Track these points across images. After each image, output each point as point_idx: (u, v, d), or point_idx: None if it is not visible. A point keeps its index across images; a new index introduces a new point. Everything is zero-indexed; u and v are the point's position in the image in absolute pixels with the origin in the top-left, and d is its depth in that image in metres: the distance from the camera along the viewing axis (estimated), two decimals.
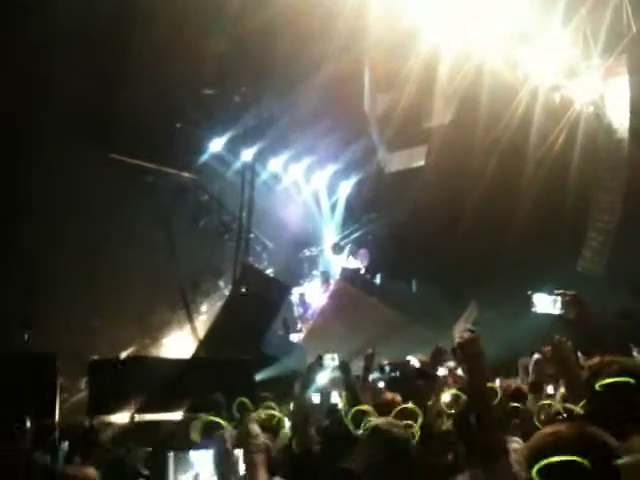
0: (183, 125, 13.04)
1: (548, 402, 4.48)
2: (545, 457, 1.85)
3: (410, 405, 4.30)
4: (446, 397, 5.32)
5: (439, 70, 13.66)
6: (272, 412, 4.00)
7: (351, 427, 3.92)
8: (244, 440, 3.11)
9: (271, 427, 3.80)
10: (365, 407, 4.17)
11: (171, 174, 13.53)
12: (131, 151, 12.29)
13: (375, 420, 3.58)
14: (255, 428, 3.23)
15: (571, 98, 14.30)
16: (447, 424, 4.34)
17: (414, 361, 6.09)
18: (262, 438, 3.26)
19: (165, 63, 11.27)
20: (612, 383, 2.70)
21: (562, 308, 3.08)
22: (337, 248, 16.48)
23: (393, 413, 4.06)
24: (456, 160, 14.18)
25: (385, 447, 3.18)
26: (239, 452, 3.25)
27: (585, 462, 1.82)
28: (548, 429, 1.99)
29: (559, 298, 3.09)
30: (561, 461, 1.82)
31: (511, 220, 13.68)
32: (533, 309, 3.19)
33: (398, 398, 4.86)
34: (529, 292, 3.17)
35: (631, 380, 2.69)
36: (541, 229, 13.57)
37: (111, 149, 12.00)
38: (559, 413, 4.18)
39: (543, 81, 14.09)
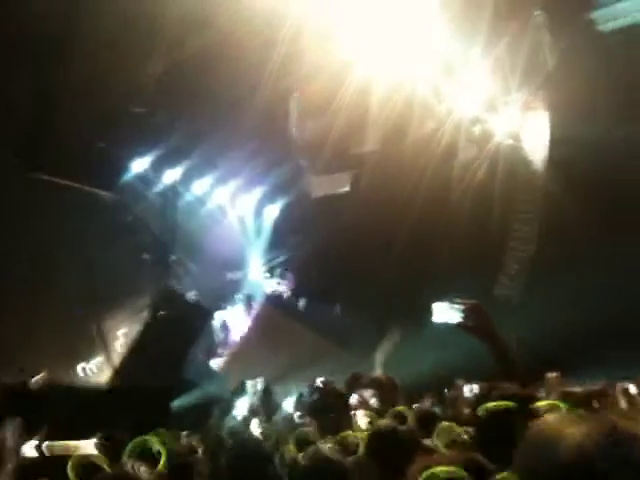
0: (106, 143, 12.72)
1: (448, 425, 4.47)
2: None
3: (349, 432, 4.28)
4: (362, 421, 5.31)
5: (367, 98, 13.92)
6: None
7: (294, 451, 3.83)
8: None
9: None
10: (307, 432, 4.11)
11: (92, 193, 13.14)
12: (50, 168, 11.89)
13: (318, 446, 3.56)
14: None
15: (491, 131, 14.80)
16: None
17: (318, 383, 6.06)
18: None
19: (92, 79, 11.03)
20: (494, 408, 2.75)
21: (461, 316, 3.11)
22: (269, 272, 16.42)
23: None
24: (383, 187, 14.41)
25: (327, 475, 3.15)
26: None
27: (464, 474, 1.88)
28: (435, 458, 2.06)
29: (458, 307, 3.11)
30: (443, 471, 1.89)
31: (436, 248, 13.95)
32: (432, 319, 3.20)
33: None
34: (427, 301, 3.18)
35: (510, 404, 2.74)
36: (465, 256, 13.86)
37: (30, 165, 11.58)
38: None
39: (465, 113, 14.55)
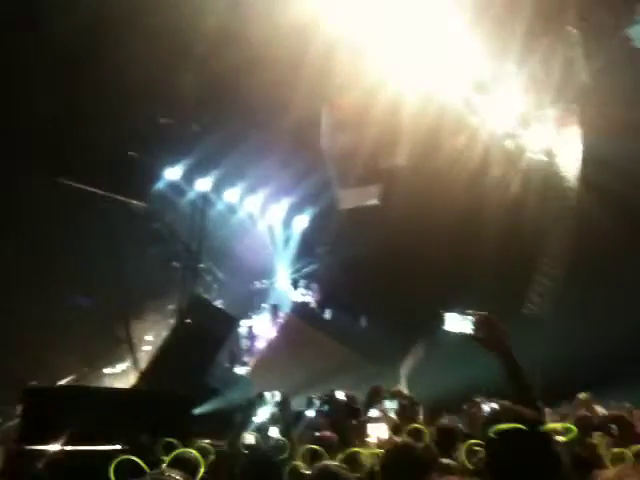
0: (138, 153, 12.96)
1: (475, 442, 4.44)
2: None
3: (358, 449, 4.28)
4: (380, 434, 5.31)
5: (399, 113, 13.95)
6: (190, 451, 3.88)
7: (303, 465, 3.86)
8: None
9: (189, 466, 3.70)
10: (316, 447, 4.13)
11: (122, 202, 13.38)
12: (83, 177, 12.16)
13: (325, 461, 3.58)
14: None
15: (524, 146, 14.70)
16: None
17: (340, 395, 6.09)
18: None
19: (124, 90, 11.24)
20: (505, 430, 2.75)
21: (472, 328, 3.12)
22: (294, 283, 16.49)
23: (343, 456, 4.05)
24: (413, 202, 14.38)
25: None
26: None
27: None
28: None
29: (469, 317, 3.13)
30: None
31: (466, 263, 13.86)
32: (443, 327, 3.21)
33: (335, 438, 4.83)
34: (440, 310, 3.20)
35: (523, 427, 2.74)
36: (495, 273, 13.75)
37: (62, 174, 11.85)
38: None
39: (498, 129, 14.49)
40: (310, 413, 6.64)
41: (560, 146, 14.48)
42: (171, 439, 4.43)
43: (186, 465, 3.16)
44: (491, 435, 2.75)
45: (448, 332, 3.31)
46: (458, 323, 3.26)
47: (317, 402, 6.49)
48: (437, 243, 13.85)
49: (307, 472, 3.47)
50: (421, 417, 6.78)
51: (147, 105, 11.82)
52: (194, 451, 3.51)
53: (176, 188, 14.40)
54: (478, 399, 7.39)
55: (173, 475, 2.62)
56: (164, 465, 3.20)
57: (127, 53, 10.77)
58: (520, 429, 2.70)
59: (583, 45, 13.50)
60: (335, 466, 3.39)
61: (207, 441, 7.02)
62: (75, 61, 11.02)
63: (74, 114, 11.32)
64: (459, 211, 14.04)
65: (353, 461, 3.92)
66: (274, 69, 12.07)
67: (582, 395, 7.47)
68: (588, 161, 13.77)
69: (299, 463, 3.75)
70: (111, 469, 3.05)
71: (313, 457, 3.76)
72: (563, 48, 13.37)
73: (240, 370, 14.26)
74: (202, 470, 2.98)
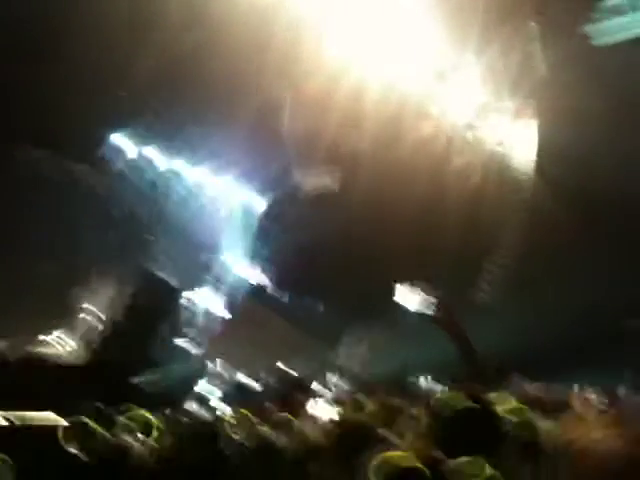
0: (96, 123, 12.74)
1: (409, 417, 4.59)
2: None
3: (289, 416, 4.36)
4: (326, 411, 5.41)
5: (361, 101, 14.01)
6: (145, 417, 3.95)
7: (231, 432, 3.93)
8: None
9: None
10: (246, 412, 4.20)
11: (74, 170, 13.14)
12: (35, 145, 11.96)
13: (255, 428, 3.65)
14: None
15: (483, 137, 14.91)
16: None
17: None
18: None
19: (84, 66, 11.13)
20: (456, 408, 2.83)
21: (433, 309, 3.23)
22: (251, 262, 16.46)
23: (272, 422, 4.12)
24: (373, 187, 14.48)
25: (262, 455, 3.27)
26: None
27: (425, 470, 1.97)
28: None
29: (428, 298, 3.24)
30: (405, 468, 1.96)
31: (422, 251, 14.04)
32: (402, 306, 3.31)
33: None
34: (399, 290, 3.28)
35: (475, 405, 2.84)
36: (448, 259, 13.95)
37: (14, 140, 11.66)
38: None
39: (458, 119, 14.67)
40: (256, 386, 6.72)
41: (516, 138, 14.73)
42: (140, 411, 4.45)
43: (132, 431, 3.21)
44: (442, 412, 2.83)
45: (407, 312, 3.41)
46: (416, 303, 3.37)
47: (263, 376, 6.56)
48: (395, 230, 13.99)
49: (236, 437, 3.55)
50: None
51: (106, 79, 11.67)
52: (147, 415, 3.56)
53: (123, 154, 14.15)
54: (424, 379, 7.57)
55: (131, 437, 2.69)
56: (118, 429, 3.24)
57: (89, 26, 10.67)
58: (470, 407, 2.79)
59: (541, 39, 13.73)
60: (264, 432, 3.47)
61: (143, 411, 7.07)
62: (34, 31, 10.86)
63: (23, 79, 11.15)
64: (418, 199, 14.19)
65: (289, 429, 4.01)
66: (236, 51, 12.05)
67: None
68: (543, 153, 14.05)
69: (229, 428, 3.84)
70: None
71: (247, 424, 3.84)
72: (521, 41, 13.58)
73: (182, 343, 14.12)
74: (156, 434, 3.04)
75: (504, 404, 3.45)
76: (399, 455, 2.15)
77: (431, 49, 13.40)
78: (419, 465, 2.11)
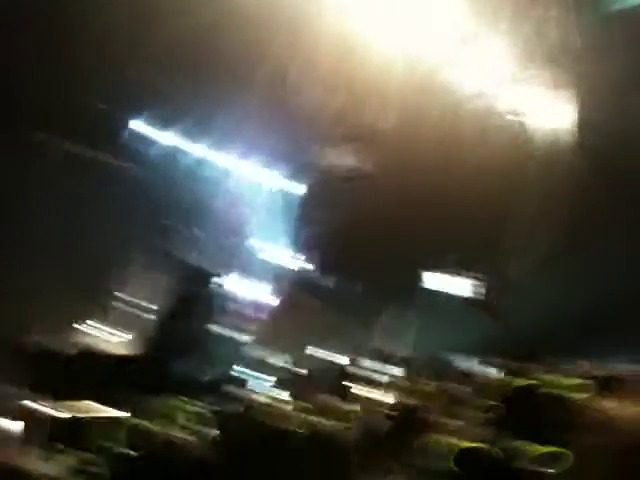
0: (107, 105, 12.61)
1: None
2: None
3: (347, 407, 4.27)
4: (385, 396, 5.31)
5: (385, 75, 13.77)
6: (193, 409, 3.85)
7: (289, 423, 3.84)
8: None
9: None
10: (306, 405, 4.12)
11: (91, 155, 13.06)
12: (48, 129, 11.86)
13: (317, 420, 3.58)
14: None
15: (517, 109, 14.61)
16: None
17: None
18: None
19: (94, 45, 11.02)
20: (522, 387, 2.72)
21: (468, 291, 3.06)
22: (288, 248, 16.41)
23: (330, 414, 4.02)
24: (402, 164, 14.31)
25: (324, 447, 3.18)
26: None
27: (497, 451, 1.88)
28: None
29: (466, 281, 3.06)
30: (473, 448, 1.90)
31: (459, 227, 13.88)
32: (439, 289, 3.14)
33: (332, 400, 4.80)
34: (435, 273, 3.12)
35: (536, 383, 2.71)
36: (480, 237, 13.78)
37: (23, 128, 11.57)
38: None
39: (490, 91, 14.37)
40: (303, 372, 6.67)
41: (554, 109, 14.43)
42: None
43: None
44: (508, 394, 2.70)
45: (446, 295, 3.24)
46: (453, 286, 3.19)
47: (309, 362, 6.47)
48: (427, 206, 13.83)
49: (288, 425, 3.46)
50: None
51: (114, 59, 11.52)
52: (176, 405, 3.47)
53: (147, 140, 14.04)
54: (477, 362, 7.43)
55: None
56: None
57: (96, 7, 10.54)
58: (535, 385, 2.66)
59: (574, 6, 13.38)
60: (322, 424, 3.37)
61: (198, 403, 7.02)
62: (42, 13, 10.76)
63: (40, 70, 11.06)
64: (443, 175, 14.00)
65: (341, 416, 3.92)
66: (251, 26, 11.86)
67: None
68: (580, 124, 13.75)
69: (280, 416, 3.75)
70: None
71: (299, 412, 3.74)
72: (555, 7, 13.23)
73: (224, 331, 14.10)
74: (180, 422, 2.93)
75: (570, 383, 3.30)
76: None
77: (459, 15, 13.08)
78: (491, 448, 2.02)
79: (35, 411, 6.48)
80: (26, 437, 5.87)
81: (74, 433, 5.68)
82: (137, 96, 13.32)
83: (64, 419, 6.13)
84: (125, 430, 3.00)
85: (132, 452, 2.83)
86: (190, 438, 2.70)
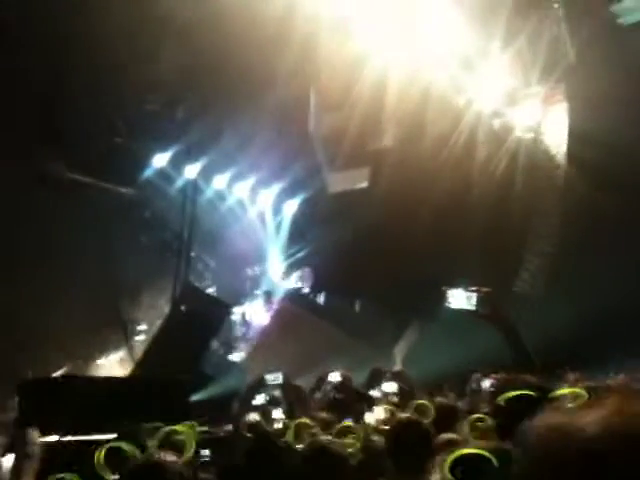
0: (125, 140, 12.83)
1: (479, 416, 4.44)
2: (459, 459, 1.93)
3: (350, 423, 4.26)
4: (380, 413, 5.30)
5: (384, 94, 13.90)
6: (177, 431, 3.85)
7: (291, 441, 3.84)
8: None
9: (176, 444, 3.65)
10: (306, 420, 4.11)
11: (111, 190, 13.26)
12: (70, 166, 12.01)
13: (316, 436, 3.56)
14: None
15: (511, 124, 14.69)
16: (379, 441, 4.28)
17: (335, 377, 6.07)
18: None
19: (108, 76, 11.10)
20: (515, 397, 2.75)
21: (476, 304, 3.09)
22: (288, 267, 16.52)
23: (335, 431, 4.03)
24: (402, 183, 14.36)
25: (323, 462, 3.17)
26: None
27: (490, 456, 1.89)
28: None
29: (474, 294, 3.09)
30: (469, 454, 1.90)
31: (456, 243, 13.87)
32: (447, 304, 3.18)
33: (332, 418, 4.81)
34: (443, 288, 3.17)
35: (533, 393, 2.75)
36: (485, 253, 13.77)
37: (47, 163, 11.70)
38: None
39: (485, 107, 14.45)
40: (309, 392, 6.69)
41: (547, 124, 14.48)
42: (157, 424, 4.36)
43: (175, 447, 3.13)
44: (500, 403, 2.73)
45: (450, 309, 3.28)
46: (462, 300, 3.22)
47: (327, 387, 6.48)
48: (425, 224, 13.83)
49: (299, 447, 3.46)
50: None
51: (130, 89, 11.67)
52: (185, 430, 3.47)
53: (164, 175, 14.27)
54: (477, 375, 7.39)
55: (162, 455, 2.59)
56: (151, 447, 3.16)
57: (107, 35, 10.63)
58: (529, 395, 2.69)
59: (568, 22, 13.48)
60: (325, 440, 3.38)
61: (205, 428, 7.03)
62: (56, 46, 10.86)
63: (58, 100, 11.16)
64: (447, 191, 14.03)
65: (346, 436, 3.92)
66: (257, 50, 11.97)
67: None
68: (575, 137, 13.78)
69: (291, 438, 3.75)
70: (99, 456, 2.99)
71: (303, 432, 3.75)
72: (549, 24, 13.35)
73: (234, 357, 14.26)
74: (188, 450, 2.94)
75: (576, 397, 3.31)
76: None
77: (457, 36, 13.19)
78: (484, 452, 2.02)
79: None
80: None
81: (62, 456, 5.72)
82: (156, 130, 13.55)
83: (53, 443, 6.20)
84: (105, 453, 3.00)
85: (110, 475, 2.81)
86: (175, 459, 2.71)
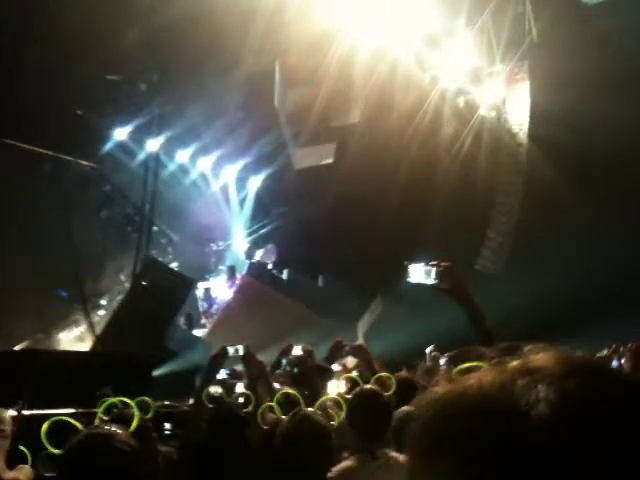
0: (86, 112, 12.56)
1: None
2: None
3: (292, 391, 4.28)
4: (341, 385, 5.36)
5: (351, 70, 13.87)
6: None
7: (278, 413, 3.85)
8: None
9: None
10: (272, 404, 4.12)
11: (72, 163, 13.00)
12: (28, 138, 11.71)
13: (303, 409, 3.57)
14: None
15: (475, 102, 14.80)
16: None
17: (297, 350, 6.09)
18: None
19: (70, 48, 10.84)
20: (468, 368, 2.79)
21: (436, 278, 3.11)
22: (250, 244, 16.49)
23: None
24: (367, 159, 14.38)
25: (308, 433, 3.20)
26: None
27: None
28: None
29: (433, 269, 3.11)
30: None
31: (419, 220, 14.00)
32: (407, 279, 3.20)
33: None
34: (405, 262, 3.18)
35: (486, 365, 2.78)
36: (447, 229, 13.92)
37: (5, 135, 11.40)
38: None
39: (450, 85, 14.53)
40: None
41: (510, 102, 14.63)
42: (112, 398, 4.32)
43: (125, 420, 3.12)
44: (454, 375, 2.78)
45: (410, 284, 3.31)
46: (421, 275, 3.24)
47: (284, 362, 6.48)
48: (390, 200, 13.91)
49: (282, 417, 3.48)
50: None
51: (92, 62, 11.41)
52: (132, 403, 3.46)
53: (126, 149, 14.01)
54: (434, 352, 7.49)
55: (107, 427, 2.59)
56: (96, 419, 3.15)
57: (70, 7, 10.38)
58: (482, 366, 2.74)
59: (533, 0, 13.58)
60: (310, 412, 3.42)
61: (167, 402, 7.03)
62: (18, 15, 10.59)
63: (14, 74, 10.88)
64: (412, 168, 14.12)
65: (324, 409, 3.95)
66: (222, 22, 11.81)
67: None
68: (537, 116, 13.96)
69: (276, 408, 3.75)
70: (43, 431, 2.95)
71: (287, 405, 3.76)
72: (513, 2, 13.43)
73: (198, 332, 14.23)
74: (135, 422, 2.92)
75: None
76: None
77: (422, 14, 13.19)
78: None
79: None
80: None
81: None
82: (117, 103, 13.30)
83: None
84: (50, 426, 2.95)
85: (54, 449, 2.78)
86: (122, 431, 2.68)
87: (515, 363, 0.73)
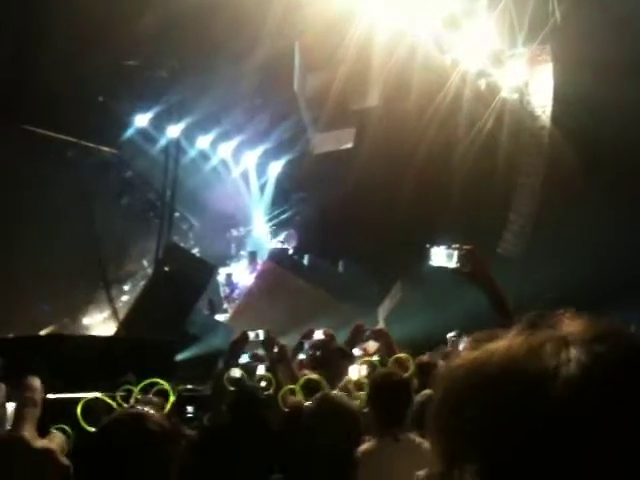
0: (106, 99, 12.61)
1: None
2: None
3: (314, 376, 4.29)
4: (362, 369, 5.36)
5: (369, 53, 13.77)
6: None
7: (301, 397, 3.87)
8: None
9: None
10: (293, 386, 4.14)
11: (93, 149, 13.09)
12: (49, 124, 11.80)
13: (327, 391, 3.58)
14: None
15: (497, 84, 14.63)
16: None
17: (319, 334, 6.10)
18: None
19: (90, 35, 10.89)
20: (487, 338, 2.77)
21: (457, 261, 3.08)
22: (272, 228, 16.54)
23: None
24: (386, 143, 14.31)
25: (335, 417, 3.21)
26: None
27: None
28: None
29: (455, 252, 3.08)
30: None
31: (439, 204, 13.92)
32: (429, 262, 3.17)
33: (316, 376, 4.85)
34: (427, 245, 3.15)
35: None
36: (468, 213, 13.83)
37: (26, 122, 11.50)
38: None
39: (471, 67, 14.37)
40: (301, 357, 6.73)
41: (532, 85, 14.44)
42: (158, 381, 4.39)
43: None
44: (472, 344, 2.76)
45: (431, 267, 3.27)
46: (443, 258, 3.21)
47: (306, 346, 6.49)
48: (410, 184, 13.85)
49: (306, 402, 3.49)
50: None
51: (112, 48, 11.46)
52: (164, 384, 3.50)
53: (147, 135, 14.07)
54: (455, 336, 7.48)
55: (142, 407, 2.61)
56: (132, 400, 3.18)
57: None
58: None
59: None
60: (337, 395, 3.42)
61: (189, 386, 7.09)
62: (35, 5, 10.65)
63: (36, 61, 10.95)
64: (432, 151, 14.03)
65: (347, 391, 3.96)
66: (240, 5, 11.78)
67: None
68: (560, 98, 13.77)
69: (298, 391, 3.77)
70: (79, 410, 2.99)
71: (311, 389, 3.78)
72: None
73: (220, 317, 14.32)
74: (169, 404, 2.95)
75: None
76: None
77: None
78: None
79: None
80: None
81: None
82: (138, 89, 13.35)
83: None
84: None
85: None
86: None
87: (544, 329, 0.74)
